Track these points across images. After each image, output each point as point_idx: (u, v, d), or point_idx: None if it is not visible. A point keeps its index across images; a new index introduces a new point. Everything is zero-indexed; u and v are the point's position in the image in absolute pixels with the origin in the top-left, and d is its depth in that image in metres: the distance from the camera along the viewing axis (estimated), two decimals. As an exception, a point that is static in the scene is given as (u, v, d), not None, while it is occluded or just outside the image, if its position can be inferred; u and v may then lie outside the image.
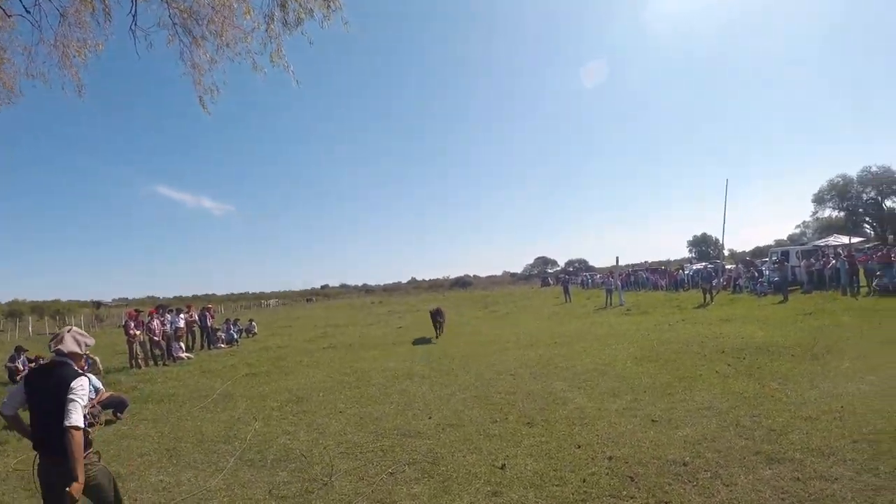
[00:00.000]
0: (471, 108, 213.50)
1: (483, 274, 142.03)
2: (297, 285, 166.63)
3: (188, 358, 20.14)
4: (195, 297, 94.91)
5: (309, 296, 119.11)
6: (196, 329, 23.41)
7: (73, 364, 4.29)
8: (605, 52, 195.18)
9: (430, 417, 9.12)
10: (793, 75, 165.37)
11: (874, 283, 23.74)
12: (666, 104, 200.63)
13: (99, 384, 10.79)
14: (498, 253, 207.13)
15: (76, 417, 3.90)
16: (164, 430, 9.71)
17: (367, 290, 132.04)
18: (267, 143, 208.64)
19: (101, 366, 16.77)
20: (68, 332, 4.42)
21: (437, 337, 21.54)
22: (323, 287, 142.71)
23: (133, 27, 6.82)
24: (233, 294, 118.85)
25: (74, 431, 3.85)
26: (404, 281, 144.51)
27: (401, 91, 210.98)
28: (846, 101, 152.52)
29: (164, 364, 18.97)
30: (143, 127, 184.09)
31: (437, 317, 22.26)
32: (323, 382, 13.06)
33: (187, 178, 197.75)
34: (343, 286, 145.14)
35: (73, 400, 3.96)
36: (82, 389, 4.07)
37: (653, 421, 7.88)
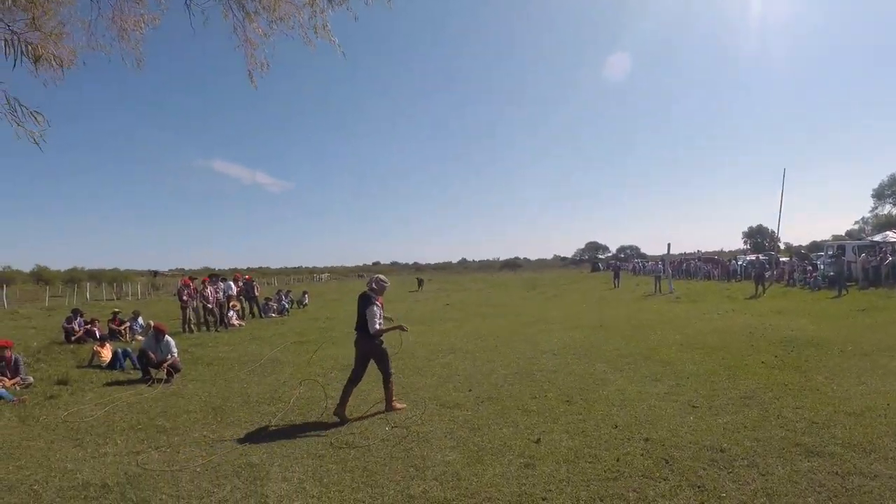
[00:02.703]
0: (526, 90, 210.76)
1: (533, 257, 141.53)
2: (350, 261, 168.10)
3: (240, 326, 20.58)
4: (249, 270, 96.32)
5: (361, 272, 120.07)
6: (243, 298, 23.81)
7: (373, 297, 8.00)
8: (641, 41, 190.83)
9: (469, 390, 9.25)
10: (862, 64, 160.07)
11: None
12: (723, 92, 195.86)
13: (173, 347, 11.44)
14: (549, 237, 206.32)
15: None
16: (212, 390, 10.00)
17: (417, 268, 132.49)
18: (322, 120, 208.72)
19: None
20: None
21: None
22: (374, 264, 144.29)
23: (188, 2, 6.89)
24: (286, 268, 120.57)
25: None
26: (454, 261, 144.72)
27: (454, 67, 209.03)
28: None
29: (217, 330, 19.43)
30: (199, 101, 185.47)
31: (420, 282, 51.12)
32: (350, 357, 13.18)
33: (243, 153, 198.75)
34: (394, 264, 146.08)
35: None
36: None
37: (693, 407, 7.83)
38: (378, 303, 7.99)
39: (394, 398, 8.25)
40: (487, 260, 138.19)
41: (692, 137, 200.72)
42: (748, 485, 5.13)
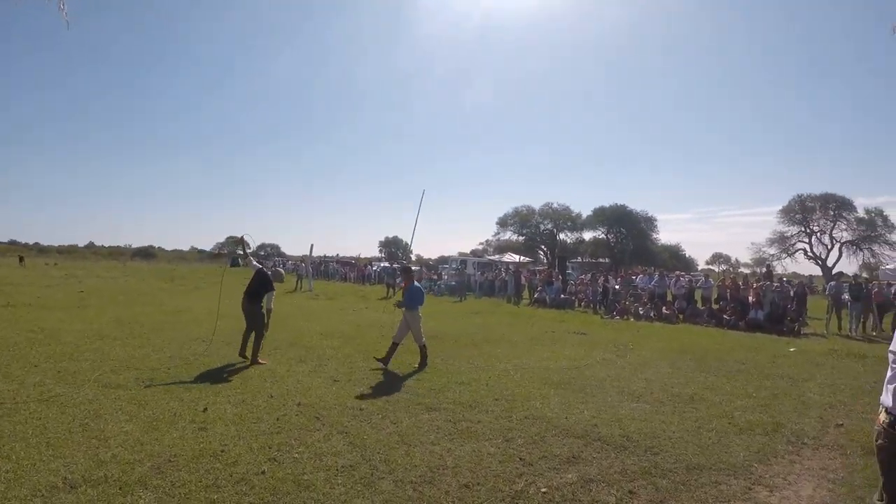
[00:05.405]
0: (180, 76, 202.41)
1: (168, 247, 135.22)
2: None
3: None
4: None
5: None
6: None
7: None
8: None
9: (128, 373, 9.47)
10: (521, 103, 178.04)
11: (534, 296, 29.07)
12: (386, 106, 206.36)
13: None
14: (185, 227, 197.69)
15: None
16: None
17: (39, 249, 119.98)
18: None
19: None
20: None
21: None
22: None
23: None
24: None
25: None
26: (82, 244, 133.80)
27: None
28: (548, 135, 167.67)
29: None
30: None
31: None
32: (8, 339, 12.35)
33: None
34: (13, 242, 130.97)
35: None
36: None
37: (335, 380, 9.19)
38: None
39: (259, 355, 10.61)
40: (118, 246, 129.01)
41: (329, 145, 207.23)
42: (384, 430, 6.63)
